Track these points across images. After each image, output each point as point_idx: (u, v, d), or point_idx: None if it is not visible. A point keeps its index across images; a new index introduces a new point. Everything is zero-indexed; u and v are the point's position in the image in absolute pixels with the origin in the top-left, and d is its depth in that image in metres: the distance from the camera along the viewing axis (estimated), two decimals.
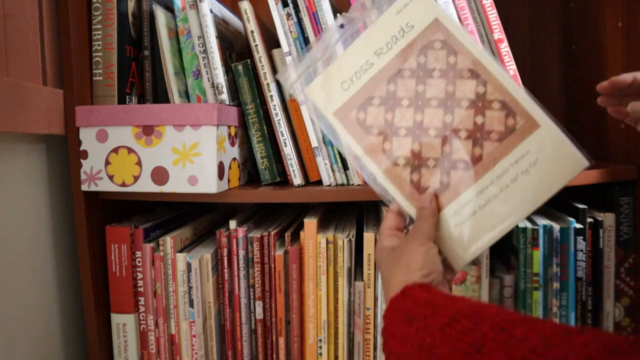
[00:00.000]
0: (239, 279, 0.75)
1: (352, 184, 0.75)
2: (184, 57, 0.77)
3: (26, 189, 0.70)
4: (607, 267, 0.74)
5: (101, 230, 0.76)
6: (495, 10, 0.71)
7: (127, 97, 0.76)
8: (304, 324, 0.75)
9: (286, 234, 0.75)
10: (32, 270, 0.70)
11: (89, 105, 0.72)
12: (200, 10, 0.73)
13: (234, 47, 0.87)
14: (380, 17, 0.54)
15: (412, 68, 0.53)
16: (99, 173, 0.72)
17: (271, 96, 0.75)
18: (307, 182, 0.78)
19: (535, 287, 0.72)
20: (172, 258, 0.75)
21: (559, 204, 0.79)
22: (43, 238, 0.73)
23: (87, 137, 0.72)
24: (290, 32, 0.74)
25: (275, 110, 0.75)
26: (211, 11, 0.75)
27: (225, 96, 0.74)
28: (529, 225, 0.72)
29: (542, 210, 0.79)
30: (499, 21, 0.71)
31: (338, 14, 0.75)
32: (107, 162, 0.71)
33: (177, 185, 0.70)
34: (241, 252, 0.75)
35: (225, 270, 0.76)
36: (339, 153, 0.74)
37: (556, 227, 0.71)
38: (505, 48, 0.71)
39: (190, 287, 0.75)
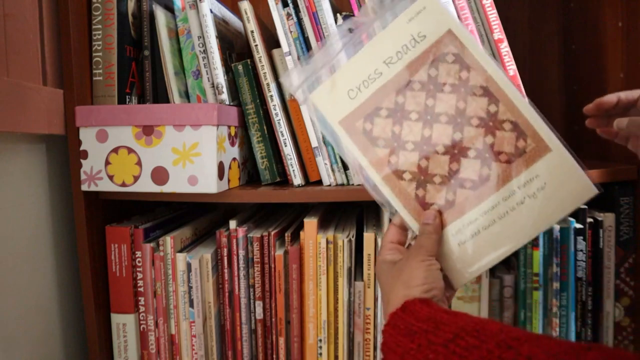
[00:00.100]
0: (239, 279, 0.75)
1: (352, 184, 0.75)
2: (184, 57, 0.77)
3: (26, 189, 0.70)
4: (607, 267, 0.74)
5: (101, 230, 0.76)
6: (495, 10, 0.71)
7: (127, 97, 0.76)
8: (304, 324, 0.75)
9: (286, 234, 0.75)
10: (32, 270, 0.70)
11: (89, 105, 0.73)
12: (200, 10, 0.73)
13: (234, 47, 0.87)
14: (391, 24, 0.52)
15: (422, 80, 0.51)
16: (99, 173, 0.72)
17: (271, 96, 0.75)
18: (307, 182, 0.78)
19: (535, 287, 0.72)
20: (172, 258, 0.75)
21: None
22: (43, 238, 0.73)
23: (87, 137, 0.72)
24: (290, 32, 0.74)
25: (275, 110, 0.75)
26: (211, 11, 0.75)
27: (225, 96, 0.74)
28: None
29: None
30: (499, 21, 0.71)
31: (338, 14, 0.75)
32: (107, 162, 0.71)
33: (177, 185, 0.70)
34: (241, 252, 0.75)
35: (225, 270, 0.76)
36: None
37: (556, 227, 0.71)
38: (505, 48, 0.71)
39: (190, 287, 0.75)
